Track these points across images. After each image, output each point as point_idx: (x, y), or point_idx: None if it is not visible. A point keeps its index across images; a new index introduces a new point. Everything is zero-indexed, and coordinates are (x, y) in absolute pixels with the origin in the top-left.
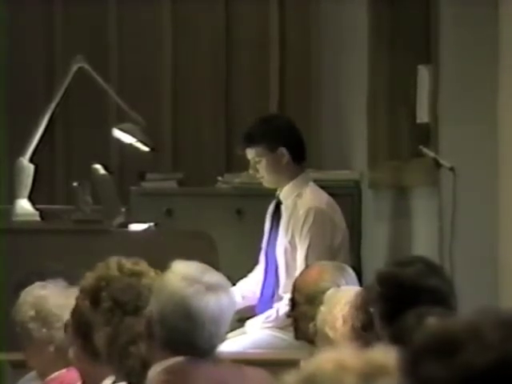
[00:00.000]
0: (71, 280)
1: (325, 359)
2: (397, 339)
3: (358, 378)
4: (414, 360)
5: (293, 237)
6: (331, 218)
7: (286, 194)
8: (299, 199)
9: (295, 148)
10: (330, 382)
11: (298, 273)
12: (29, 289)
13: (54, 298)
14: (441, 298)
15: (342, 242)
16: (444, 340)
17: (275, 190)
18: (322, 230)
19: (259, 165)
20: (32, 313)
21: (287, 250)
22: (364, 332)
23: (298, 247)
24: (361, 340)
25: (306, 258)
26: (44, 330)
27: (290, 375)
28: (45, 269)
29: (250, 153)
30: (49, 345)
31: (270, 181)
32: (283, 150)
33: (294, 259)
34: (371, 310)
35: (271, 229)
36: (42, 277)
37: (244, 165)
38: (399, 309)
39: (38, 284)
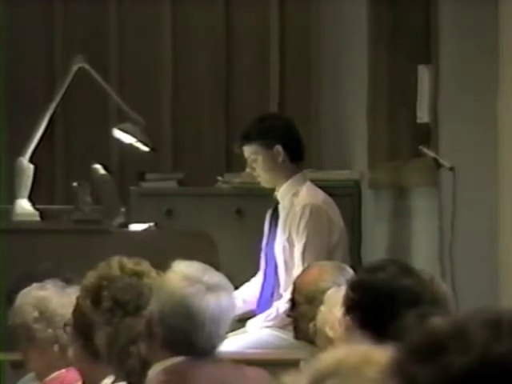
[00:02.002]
0: (63, 279)
1: (352, 351)
2: (396, 340)
3: (380, 373)
4: (401, 360)
5: (290, 234)
6: (327, 215)
7: (283, 193)
8: (296, 198)
9: (292, 147)
10: (354, 372)
11: (295, 269)
12: (27, 290)
13: (56, 298)
14: (414, 298)
15: (340, 239)
16: (429, 341)
17: (274, 190)
18: (318, 226)
19: (256, 163)
20: (35, 314)
21: (285, 248)
22: (359, 332)
23: (295, 243)
24: (357, 340)
25: (303, 253)
26: (50, 331)
27: (313, 362)
28: (35, 270)
29: (247, 150)
30: (53, 345)
31: (267, 179)
32: (279, 148)
33: (293, 257)
34: (348, 318)
35: (270, 230)
36: (32, 278)
37: (244, 165)
38: (376, 314)
39: (35, 285)
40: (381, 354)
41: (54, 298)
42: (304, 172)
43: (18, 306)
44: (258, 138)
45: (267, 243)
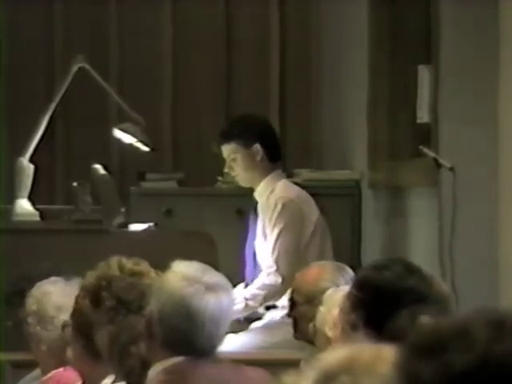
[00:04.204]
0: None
1: (363, 348)
2: (391, 338)
3: (391, 370)
4: (404, 358)
5: (265, 228)
6: (300, 209)
7: (260, 191)
8: (271, 194)
9: (270, 146)
10: (366, 369)
11: (265, 260)
12: (43, 282)
13: (55, 298)
14: (419, 298)
15: (313, 234)
16: (432, 339)
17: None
18: (290, 219)
19: (234, 162)
20: (34, 308)
21: (263, 243)
22: (355, 333)
23: (268, 235)
24: (353, 341)
25: (275, 245)
26: (38, 328)
27: (325, 358)
28: (33, 271)
29: (226, 150)
30: (39, 343)
31: (245, 178)
32: (258, 147)
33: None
34: (353, 315)
35: (251, 230)
36: (31, 279)
37: None
38: (381, 313)
39: (53, 278)
40: (391, 352)
41: (53, 298)
42: (280, 171)
43: (29, 295)
44: (237, 138)
45: (247, 244)
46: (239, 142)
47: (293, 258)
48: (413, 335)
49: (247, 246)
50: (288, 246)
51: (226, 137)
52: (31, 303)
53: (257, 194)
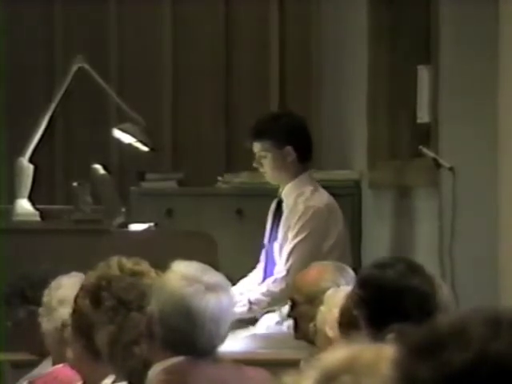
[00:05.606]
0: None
1: (364, 348)
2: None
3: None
4: (402, 358)
5: (287, 232)
6: (327, 220)
7: (287, 192)
8: (300, 197)
9: (302, 148)
10: (367, 369)
11: (279, 265)
12: (66, 275)
13: (62, 291)
14: (422, 298)
15: (336, 243)
16: (430, 338)
17: (276, 189)
18: (315, 229)
19: (265, 160)
20: (46, 298)
21: (282, 247)
22: (354, 332)
23: (288, 239)
24: (352, 341)
25: (292, 251)
26: (44, 319)
27: (326, 358)
28: (32, 271)
29: (257, 147)
30: (47, 335)
31: (273, 177)
32: (290, 149)
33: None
34: (355, 313)
35: (272, 227)
36: (31, 279)
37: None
38: (383, 312)
39: (74, 273)
40: (392, 351)
41: (61, 290)
42: (310, 172)
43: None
44: (271, 137)
45: (269, 241)
46: (272, 142)
47: (305, 267)
48: (411, 336)
49: (268, 243)
50: (304, 255)
51: (259, 134)
52: (46, 294)
53: (283, 194)
